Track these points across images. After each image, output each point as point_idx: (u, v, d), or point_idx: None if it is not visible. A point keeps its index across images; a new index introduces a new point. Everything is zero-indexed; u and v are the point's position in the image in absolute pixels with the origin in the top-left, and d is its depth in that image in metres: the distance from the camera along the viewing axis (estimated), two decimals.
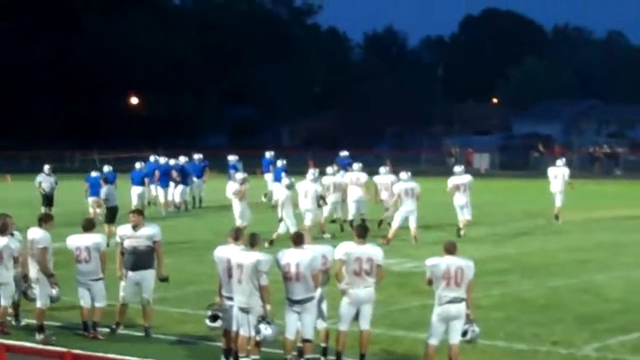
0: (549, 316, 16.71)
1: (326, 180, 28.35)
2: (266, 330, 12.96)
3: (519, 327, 15.80)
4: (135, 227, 15.38)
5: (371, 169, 30.33)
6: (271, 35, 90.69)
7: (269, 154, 37.88)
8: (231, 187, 27.41)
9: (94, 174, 30.80)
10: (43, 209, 29.21)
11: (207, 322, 13.77)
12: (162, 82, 79.79)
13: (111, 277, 15.68)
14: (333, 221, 28.43)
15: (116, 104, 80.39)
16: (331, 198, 27.83)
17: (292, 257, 13.12)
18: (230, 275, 13.33)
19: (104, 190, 27.16)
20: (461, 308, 12.94)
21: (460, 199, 27.01)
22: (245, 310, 13.12)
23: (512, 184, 51.59)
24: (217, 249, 13.78)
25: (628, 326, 15.94)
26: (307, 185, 26.15)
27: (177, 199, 34.85)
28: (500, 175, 59.05)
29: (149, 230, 15.46)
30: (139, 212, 16.08)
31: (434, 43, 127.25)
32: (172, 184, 34.67)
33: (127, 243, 15.35)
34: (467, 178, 27.61)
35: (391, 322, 15.93)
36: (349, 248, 13.45)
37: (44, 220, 15.62)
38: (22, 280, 15.62)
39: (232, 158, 36.76)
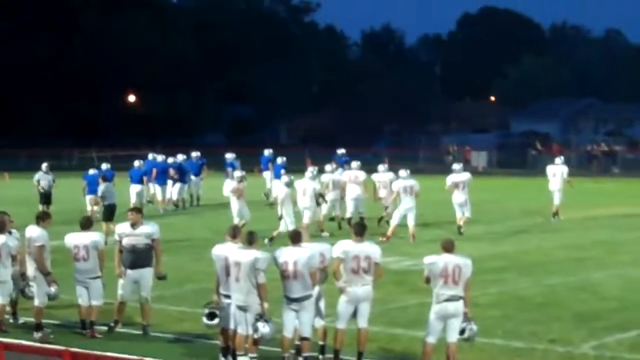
0: (547, 314, 16.72)
1: (325, 177, 28.35)
2: (264, 328, 12.96)
3: (516, 325, 15.81)
4: (134, 225, 15.38)
5: (369, 167, 30.33)
6: (269, 34, 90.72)
7: (267, 152, 37.85)
8: (228, 185, 27.41)
9: (91, 171, 30.84)
10: (41, 207, 29.22)
11: (205, 320, 13.77)
12: (160, 80, 79.84)
13: (109, 275, 15.68)
14: (332, 219, 28.44)
15: (114, 103, 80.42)
16: (330, 196, 27.84)
17: (290, 255, 13.13)
18: (228, 274, 13.33)
19: (101, 187, 27.15)
20: (459, 306, 12.93)
21: (459, 197, 27.03)
22: (243, 309, 13.13)
23: (510, 182, 51.63)
24: (215, 247, 13.78)
25: (625, 324, 15.96)
26: (306, 183, 26.16)
27: (175, 197, 34.84)
28: (497, 173, 59.10)
29: (148, 228, 15.46)
30: (137, 210, 16.07)
31: (432, 41, 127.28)
32: (169, 181, 34.67)
33: (126, 241, 15.34)
34: (466, 176, 27.64)
35: (389, 320, 15.93)
36: (346, 246, 13.45)
37: (42, 219, 15.62)
38: (20, 278, 15.59)
39: (229, 156, 36.75)
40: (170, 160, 35.84)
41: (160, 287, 16.53)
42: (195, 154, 37.10)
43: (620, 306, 17.50)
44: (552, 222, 30.32)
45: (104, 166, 31.62)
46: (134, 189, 32.34)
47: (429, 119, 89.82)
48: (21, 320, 16.02)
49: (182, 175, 35.02)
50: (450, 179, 27.41)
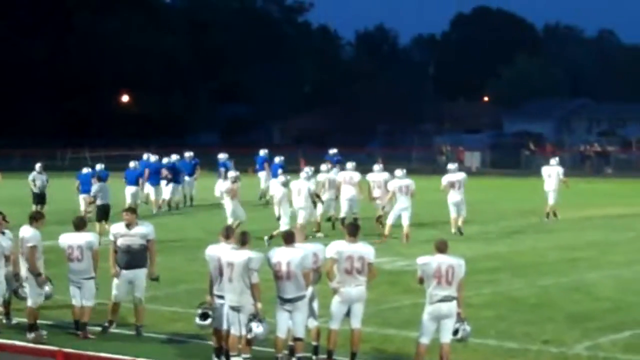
0: (540, 315, 16.72)
1: (321, 177, 28.37)
2: (257, 328, 12.96)
3: (510, 326, 15.81)
4: (129, 226, 15.38)
5: (362, 167, 30.29)
6: (262, 34, 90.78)
7: (263, 152, 37.77)
8: (220, 186, 27.35)
9: (84, 170, 30.80)
10: (34, 207, 29.18)
11: (197, 320, 13.76)
12: (153, 80, 79.85)
13: (103, 275, 15.66)
14: (328, 219, 28.42)
15: (108, 102, 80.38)
16: (326, 195, 27.84)
17: (283, 256, 13.12)
18: (221, 274, 13.33)
19: (95, 187, 27.08)
20: (452, 307, 12.93)
21: (454, 197, 27.04)
22: (236, 309, 13.12)
23: (504, 182, 51.63)
24: (208, 248, 13.77)
25: (619, 325, 15.96)
26: (301, 184, 26.16)
27: (168, 197, 34.79)
28: (491, 173, 59.09)
29: (143, 229, 15.46)
30: (132, 210, 16.07)
31: (425, 41, 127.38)
32: (163, 182, 34.61)
33: (121, 241, 15.34)
34: (462, 175, 27.69)
35: (382, 320, 15.93)
36: (340, 246, 13.44)
37: (35, 219, 15.58)
38: (14, 278, 15.58)
39: (222, 156, 36.57)
40: (164, 160, 35.80)
41: (154, 288, 16.50)
42: (188, 154, 37.06)
43: (614, 307, 17.51)
44: (545, 222, 30.36)
45: (98, 166, 31.60)
46: (129, 190, 32.31)
47: (422, 119, 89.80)
48: (14, 320, 16.00)
49: (175, 175, 34.96)
50: (446, 179, 27.42)
